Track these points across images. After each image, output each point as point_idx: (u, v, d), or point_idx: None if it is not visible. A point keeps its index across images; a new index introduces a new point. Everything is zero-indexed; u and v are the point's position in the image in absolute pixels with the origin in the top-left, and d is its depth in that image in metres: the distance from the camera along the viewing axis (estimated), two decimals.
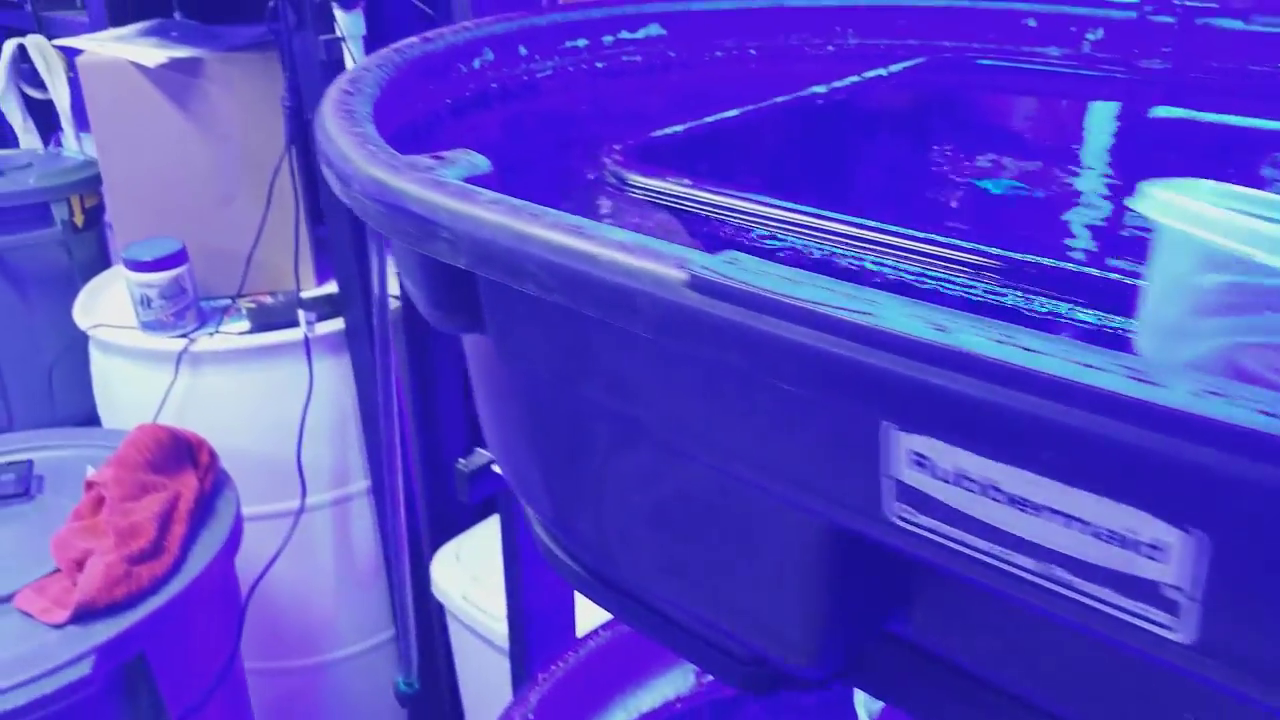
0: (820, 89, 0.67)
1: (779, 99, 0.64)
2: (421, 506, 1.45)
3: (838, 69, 0.89)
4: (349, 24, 1.16)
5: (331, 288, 1.47)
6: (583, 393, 0.42)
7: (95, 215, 1.69)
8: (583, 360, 0.40)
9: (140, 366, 1.37)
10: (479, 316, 0.46)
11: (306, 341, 1.31)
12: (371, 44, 1.18)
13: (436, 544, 1.45)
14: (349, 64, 1.17)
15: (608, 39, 0.82)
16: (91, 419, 1.56)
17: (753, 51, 0.86)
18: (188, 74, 1.36)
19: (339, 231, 1.30)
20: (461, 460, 0.83)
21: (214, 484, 1.10)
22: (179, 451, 1.07)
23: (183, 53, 1.35)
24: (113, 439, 1.23)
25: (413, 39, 0.70)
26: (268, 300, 1.46)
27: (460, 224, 0.37)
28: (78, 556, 0.96)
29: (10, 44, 1.90)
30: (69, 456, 1.20)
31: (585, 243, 0.32)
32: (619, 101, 0.78)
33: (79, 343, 1.48)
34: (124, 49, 1.38)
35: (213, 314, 1.42)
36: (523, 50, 0.77)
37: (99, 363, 1.45)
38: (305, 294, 1.44)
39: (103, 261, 1.74)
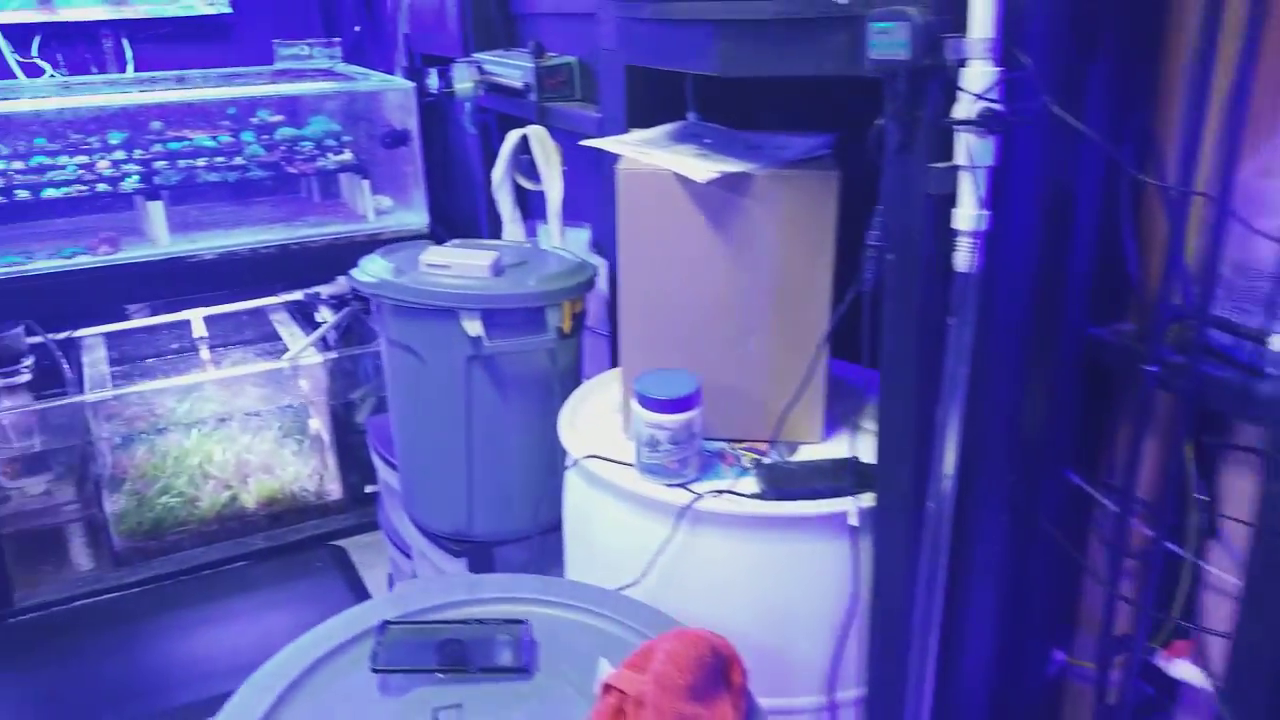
0: None
1: None
2: None
3: None
4: (979, 152, 0.91)
5: (843, 448, 1.23)
6: None
7: (579, 322, 1.59)
8: None
9: (632, 512, 1.20)
10: None
11: (853, 530, 1.07)
12: (1000, 176, 0.93)
13: None
14: (966, 200, 0.93)
15: None
16: (554, 527, 1.42)
17: None
18: (730, 190, 1.19)
19: (901, 394, 1.05)
20: None
21: (746, 715, 0.86)
22: (717, 672, 0.85)
23: (733, 166, 1.18)
24: (611, 605, 1.05)
25: None
26: (767, 453, 1.24)
27: None
28: None
29: (514, 134, 1.89)
30: (566, 621, 1.03)
31: None
32: None
33: (555, 455, 1.35)
34: (663, 157, 1.25)
35: (709, 462, 1.23)
36: None
37: (579, 491, 1.30)
38: (815, 453, 1.22)
39: (576, 369, 1.65)
